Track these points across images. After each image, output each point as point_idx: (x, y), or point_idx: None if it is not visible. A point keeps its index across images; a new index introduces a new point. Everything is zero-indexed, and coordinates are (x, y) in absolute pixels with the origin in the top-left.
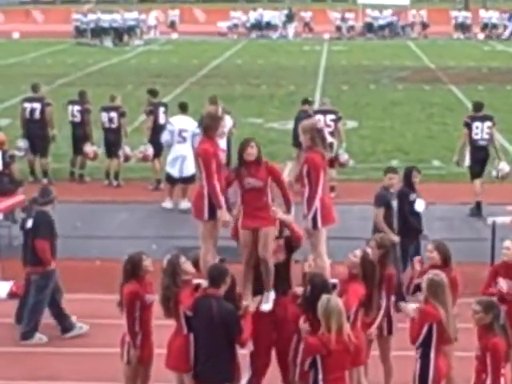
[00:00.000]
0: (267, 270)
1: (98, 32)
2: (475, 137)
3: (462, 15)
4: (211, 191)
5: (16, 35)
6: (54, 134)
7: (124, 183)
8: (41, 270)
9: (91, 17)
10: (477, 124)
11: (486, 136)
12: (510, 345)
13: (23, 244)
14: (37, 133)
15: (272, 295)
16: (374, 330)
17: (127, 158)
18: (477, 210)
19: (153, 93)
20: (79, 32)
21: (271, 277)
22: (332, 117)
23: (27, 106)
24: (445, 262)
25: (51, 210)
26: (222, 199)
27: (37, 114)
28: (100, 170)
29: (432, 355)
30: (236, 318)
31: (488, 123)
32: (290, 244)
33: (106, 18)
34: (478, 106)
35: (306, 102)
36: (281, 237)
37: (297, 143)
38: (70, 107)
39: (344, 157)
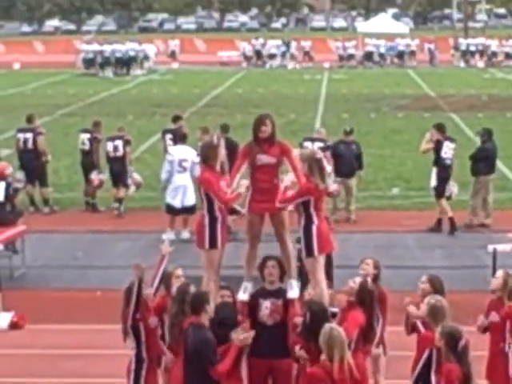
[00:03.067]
0: (288, 254)
1: (100, 62)
2: (444, 155)
3: (465, 43)
4: (226, 201)
5: (17, 66)
6: (48, 160)
7: (124, 213)
8: None
9: (93, 47)
10: (447, 143)
11: (451, 156)
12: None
13: None
14: (31, 163)
15: (295, 282)
16: (375, 349)
17: (139, 185)
18: (437, 227)
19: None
20: (86, 62)
21: (293, 262)
22: (320, 144)
23: (20, 136)
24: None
25: None
26: (235, 197)
27: (30, 144)
28: (105, 200)
29: (433, 380)
30: (209, 347)
31: (453, 145)
32: (288, 306)
33: (107, 49)
34: (443, 128)
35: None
36: (279, 296)
37: None
38: (81, 135)
39: (333, 187)
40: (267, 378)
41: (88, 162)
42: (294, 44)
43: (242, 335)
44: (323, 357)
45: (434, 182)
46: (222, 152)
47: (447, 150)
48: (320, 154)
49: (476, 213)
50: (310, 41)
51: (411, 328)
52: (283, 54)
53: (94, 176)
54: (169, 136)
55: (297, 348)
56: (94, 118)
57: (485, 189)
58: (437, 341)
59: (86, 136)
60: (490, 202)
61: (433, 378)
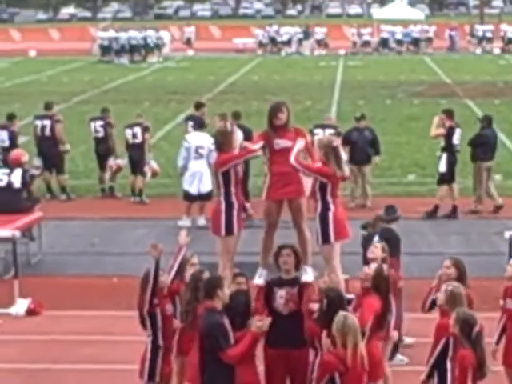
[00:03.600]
0: (305, 241)
1: (116, 49)
2: (455, 142)
3: (482, 29)
4: (234, 158)
5: (33, 53)
6: (67, 149)
7: (149, 200)
8: None
9: (109, 34)
10: (458, 130)
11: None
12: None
13: None
14: (49, 150)
15: (310, 268)
16: (393, 332)
17: (155, 174)
18: (453, 213)
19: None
20: (103, 49)
21: (309, 249)
22: (330, 131)
23: (38, 123)
24: (460, 279)
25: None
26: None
27: (47, 131)
28: (123, 187)
29: (449, 367)
30: (220, 331)
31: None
32: (303, 293)
33: (123, 36)
34: (452, 114)
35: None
36: (294, 285)
37: None
38: (92, 124)
39: (346, 170)
40: (283, 367)
41: (103, 149)
42: (317, 30)
43: (259, 322)
44: (338, 345)
45: (443, 167)
46: (237, 139)
47: (458, 137)
48: (337, 142)
49: (481, 200)
50: (325, 27)
51: (430, 305)
52: (299, 41)
53: (111, 162)
54: (190, 123)
55: (323, 335)
56: (109, 106)
57: (483, 175)
58: (451, 327)
59: (98, 123)
60: (491, 187)
61: (448, 365)
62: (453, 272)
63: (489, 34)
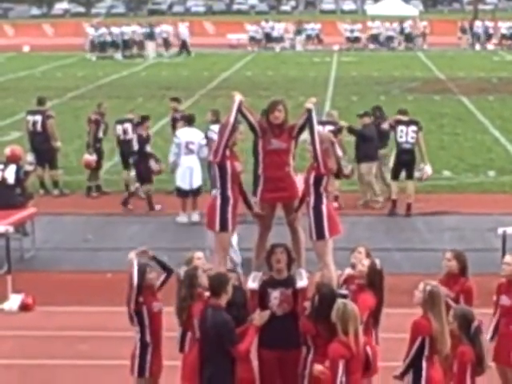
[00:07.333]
0: (298, 240)
1: (109, 45)
2: (399, 139)
3: (481, 25)
4: (219, 141)
5: (26, 48)
6: (58, 146)
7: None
8: None
9: (101, 30)
10: (401, 128)
11: (411, 140)
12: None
13: None
14: (41, 145)
15: (304, 271)
16: None
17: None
18: (407, 211)
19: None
20: (95, 46)
21: (303, 250)
22: (330, 127)
23: (30, 118)
24: (462, 272)
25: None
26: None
27: (39, 127)
28: (115, 183)
29: (424, 366)
30: (229, 328)
31: (413, 127)
32: (297, 295)
33: (116, 31)
34: (403, 111)
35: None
36: (289, 286)
37: None
38: (119, 126)
39: (348, 168)
40: (276, 367)
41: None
42: (310, 26)
43: (262, 313)
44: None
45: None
46: (239, 137)
47: (402, 135)
48: (333, 139)
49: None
50: (319, 23)
51: None
52: (293, 37)
53: (86, 156)
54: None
55: (316, 366)
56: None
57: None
58: (450, 323)
59: (126, 125)
60: (387, 178)
61: (424, 365)
62: (454, 264)
63: (490, 31)
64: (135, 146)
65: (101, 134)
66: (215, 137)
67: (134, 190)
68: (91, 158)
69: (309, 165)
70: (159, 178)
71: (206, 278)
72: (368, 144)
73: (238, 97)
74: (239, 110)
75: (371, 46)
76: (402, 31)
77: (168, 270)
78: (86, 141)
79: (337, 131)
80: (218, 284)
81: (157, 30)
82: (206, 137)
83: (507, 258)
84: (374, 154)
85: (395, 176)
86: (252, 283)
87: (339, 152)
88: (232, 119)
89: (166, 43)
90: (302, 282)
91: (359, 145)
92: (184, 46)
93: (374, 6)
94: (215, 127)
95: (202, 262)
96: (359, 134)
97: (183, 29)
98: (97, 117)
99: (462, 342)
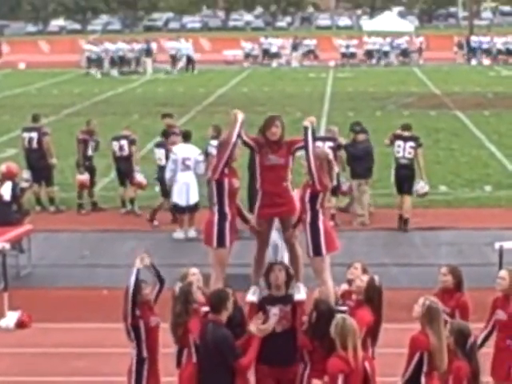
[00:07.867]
0: (297, 257)
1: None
2: (397, 155)
3: (478, 40)
4: (218, 159)
5: (22, 65)
6: (54, 163)
7: (140, 212)
8: None
9: (97, 47)
10: (399, 143)
11: (408, 155)
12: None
13: None
14: (37, 162)
15: (302, 285)
16: None
17: (140, 186)
18: (404, 226)
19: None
20: (91, 62)
21: (301, 266)
22: (330, 144)
23: (26, 135)
24: (457, 287)
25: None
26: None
27: (34, 144)
28: (112, 199)
29: (423, 382)
30: (230, 343)
31: (411, 143)
32: (296, 311)
33: (112, 48)
34: (404, 126)
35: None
36: (287, 303)
37: None
38: (116, 143)
39: (346, 185)
40: (274, 383)
41: (126, 167)
42: (306, 42)
43: (262, 326)
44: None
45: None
46: (238, 152)
47: (399, 150)
48: (331, 156)
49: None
50: (315, 39)
51: None
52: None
53: (78, 176)
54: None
55: (315, 382)
56: (98, 118)
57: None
58: (446, 338)
59: (123, 142)
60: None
61: (423, 380)
62: (449, 279)
63: (485, 46)
64: (162, 161)
65: (90, 152)
66: (214, 151)
67: (159, 204)
68: (83, 177)
69: (304, 181)
70: (154, 195)
71: (200, 293)
72: (357, 162)
73: (240, 115)
74: (240, 129)
75: (369, 61)
76: (396, 46)
77: (161, 280)
78: (75, 159)
79: (336, 147)
80: (218, 301)
81: (167, 45)
82: (206, 152)
83: (502, 273)
84: (363, 172)
85: (399, 190)
86: (251, 296)
87: (337, 169)
88: (234, 138)
89: (174, 59)
90: (299, 295)
91: (349, 162)
92: (190, 61)
93: (369, 21)
94: (215, 142)
95: (197, 278)
96: (348, 151)
97: (187, 45)
98: (84, 136)
99: (458, 357)
